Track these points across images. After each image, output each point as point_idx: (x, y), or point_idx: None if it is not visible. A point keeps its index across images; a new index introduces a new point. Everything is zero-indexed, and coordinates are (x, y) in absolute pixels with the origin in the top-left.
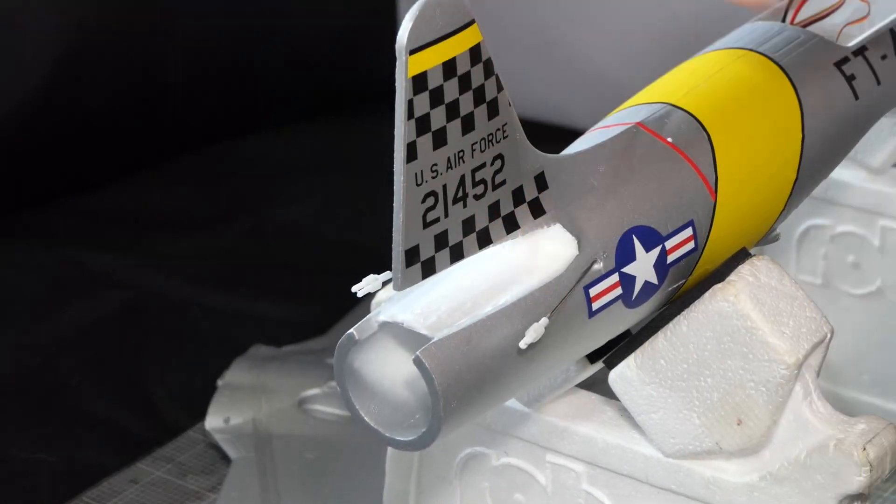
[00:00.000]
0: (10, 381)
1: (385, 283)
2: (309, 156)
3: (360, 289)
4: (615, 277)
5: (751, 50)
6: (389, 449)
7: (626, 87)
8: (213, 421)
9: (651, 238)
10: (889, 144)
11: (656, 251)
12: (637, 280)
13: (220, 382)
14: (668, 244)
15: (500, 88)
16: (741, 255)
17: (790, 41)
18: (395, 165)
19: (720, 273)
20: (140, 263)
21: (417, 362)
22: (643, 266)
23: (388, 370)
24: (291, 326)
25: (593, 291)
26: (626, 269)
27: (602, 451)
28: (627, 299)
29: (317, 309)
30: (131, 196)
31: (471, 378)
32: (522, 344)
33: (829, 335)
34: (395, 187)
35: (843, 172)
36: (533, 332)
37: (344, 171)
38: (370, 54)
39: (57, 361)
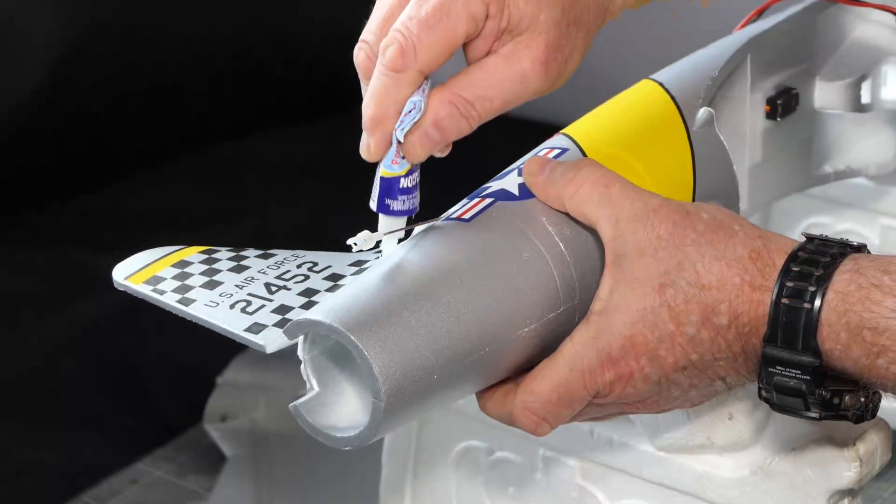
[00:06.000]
0: (10, 381)
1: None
2: (309, 156)
3: (354, 242)
4: None
5: None
6: (386, 443)
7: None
8: (211, 419)
9: None
10: (889, 144)
11: None
12: None
13: (219, 380)
14: None
15: None
16: None
17: None
18: None
19: None
20: None
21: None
22: None
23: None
24: None
25: None
26: None
27: (595, 445)
28: None
29: None
30: (131, 196)
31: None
32: (351, 241)
33: None
34: None
35: None
36: (362, 239)
37: (344, 171)
38: None
39: (57, 361)
